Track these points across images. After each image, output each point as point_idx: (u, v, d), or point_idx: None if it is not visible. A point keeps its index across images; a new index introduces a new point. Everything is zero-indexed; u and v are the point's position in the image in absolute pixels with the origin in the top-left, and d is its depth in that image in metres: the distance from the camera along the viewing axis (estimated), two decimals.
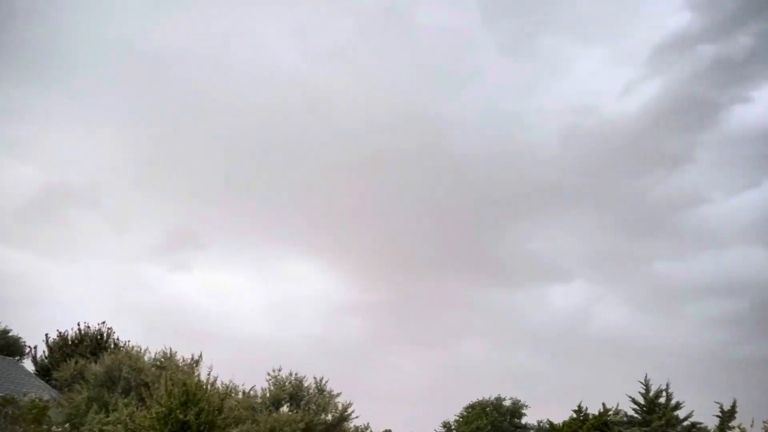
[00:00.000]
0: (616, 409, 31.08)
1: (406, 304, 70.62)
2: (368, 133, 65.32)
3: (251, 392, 26.99)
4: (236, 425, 21.41)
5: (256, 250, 73.02)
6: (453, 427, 40.69)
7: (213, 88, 64.09)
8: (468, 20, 64.68)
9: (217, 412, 19.27)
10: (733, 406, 24.20)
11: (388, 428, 45.76)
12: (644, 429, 26.64)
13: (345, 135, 65.44)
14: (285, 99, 64.68)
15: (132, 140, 63.55)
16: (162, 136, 64.08)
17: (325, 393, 28.03)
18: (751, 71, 61.25)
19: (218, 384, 22.31)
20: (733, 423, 22.46)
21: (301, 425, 24.96)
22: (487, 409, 39.13)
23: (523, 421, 39.30)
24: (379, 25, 65.39)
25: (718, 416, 24.52)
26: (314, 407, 26.93)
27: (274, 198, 69.14)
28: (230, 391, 23.44)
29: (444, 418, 41.77)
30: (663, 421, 26.06)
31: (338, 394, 27.98)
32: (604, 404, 31.33)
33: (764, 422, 16.60)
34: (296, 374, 28.12)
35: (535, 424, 38.48)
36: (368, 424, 36.40)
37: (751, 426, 17.07)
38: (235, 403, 22.74)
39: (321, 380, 28.10)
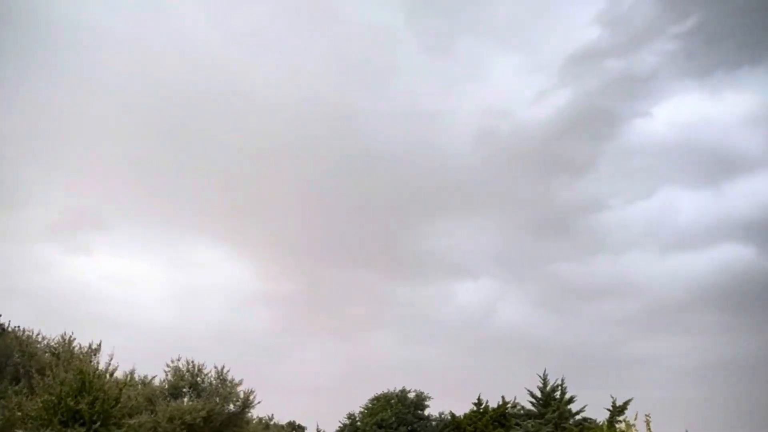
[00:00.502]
0: (514, 402, 32.51)
1: (315, 295, 70.53)
2: (284, 120, 64.56)
3: (150, 382, 26.07)
4: (132, 416, 20.63)
5: (163, 234, 70.52)
6: (357, 419, 40.97)
7: (127, 66, 61.25)
8: (391, 16, 65.17)
9: (113, 402, 18.53)
10: (626, 402, 25.85)
11: (292, 419, 45.65)
12: (538, 421, 27.92)
13: (261, 122, 64.34)
14: (201, 81, 62.84)
15: (28, 109, 59.34)
16: (64, 108, 60.43)
17: (227, 382, 27.42)
18: (653, 88, 65.84)
19: (117, 373, 21.52)
20: (620, 417, 23.92)
21: (203, 413, 24.36)
22: (392, 401, 39.66)
23: (426, 412, 40.11)
24: (299, 12, 64.69)
25: (608, 410, 26.06)
26: (217, 398, 26.28)
27: (184, 182, 66.99)
28: (129, 381, 22.55)
29: (349, 410, 42.04)
30: (556, 414, 27.43)
31: (240, 382, 27.45)
32: (503, 397, 32.69)
33: (646, 415, 17.78)
34: (193, 362, 27.36)
35: (437, 415, 39.42)
36: (272, 415, 36.07)
37: (635, 419, 18.26)
38: (135, 393, 21.87)
39: (222, 369, 27.47)
